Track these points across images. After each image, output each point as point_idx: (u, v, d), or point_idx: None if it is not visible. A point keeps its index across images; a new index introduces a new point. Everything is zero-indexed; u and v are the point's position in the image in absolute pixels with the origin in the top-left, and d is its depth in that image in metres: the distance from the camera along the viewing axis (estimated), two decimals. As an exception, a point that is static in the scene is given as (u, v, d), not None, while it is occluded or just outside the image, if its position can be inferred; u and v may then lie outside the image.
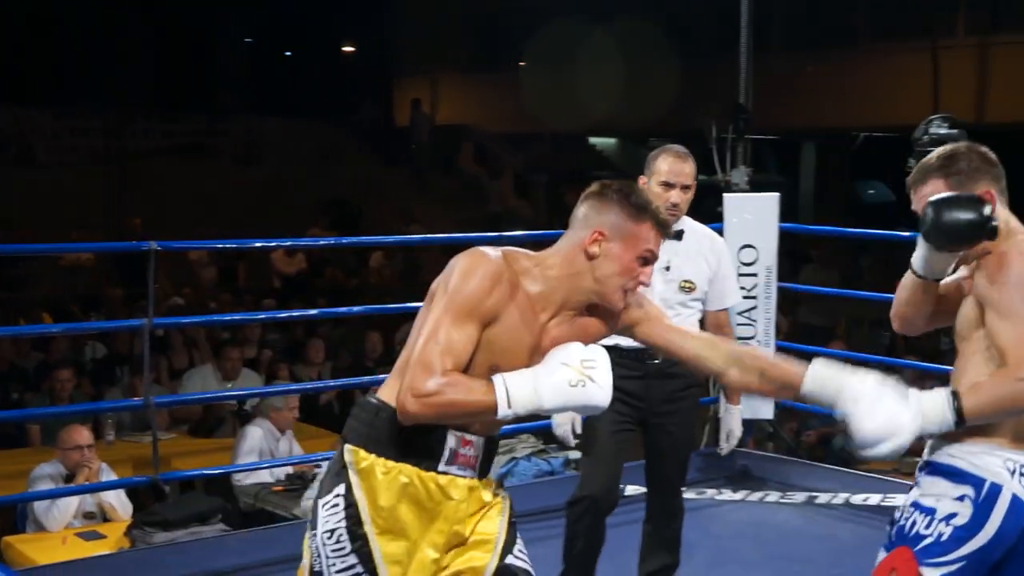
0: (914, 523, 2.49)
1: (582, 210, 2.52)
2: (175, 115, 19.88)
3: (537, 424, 6.14)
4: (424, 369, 2.32)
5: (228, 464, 6.21)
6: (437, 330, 2.35)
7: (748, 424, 6.18)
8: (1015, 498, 2.42)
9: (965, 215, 2.47)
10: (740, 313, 6.00)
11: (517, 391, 2.33)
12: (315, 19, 22.84)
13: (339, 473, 2.44)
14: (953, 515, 2.44)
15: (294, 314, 5.94)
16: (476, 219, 16.90)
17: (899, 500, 5.35)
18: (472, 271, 2.40)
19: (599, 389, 2.34)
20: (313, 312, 6.22)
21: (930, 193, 2.59)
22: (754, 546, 4.84)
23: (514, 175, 20.38)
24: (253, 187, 17.90)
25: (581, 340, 2.46)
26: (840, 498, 5.45)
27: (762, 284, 6.02)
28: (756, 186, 6.19)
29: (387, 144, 20.88)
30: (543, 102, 22.85)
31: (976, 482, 2.45)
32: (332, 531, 2.41)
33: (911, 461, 6.18)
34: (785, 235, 6.08)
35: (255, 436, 6.32)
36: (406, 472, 2.41)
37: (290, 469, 6.03)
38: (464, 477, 2.47)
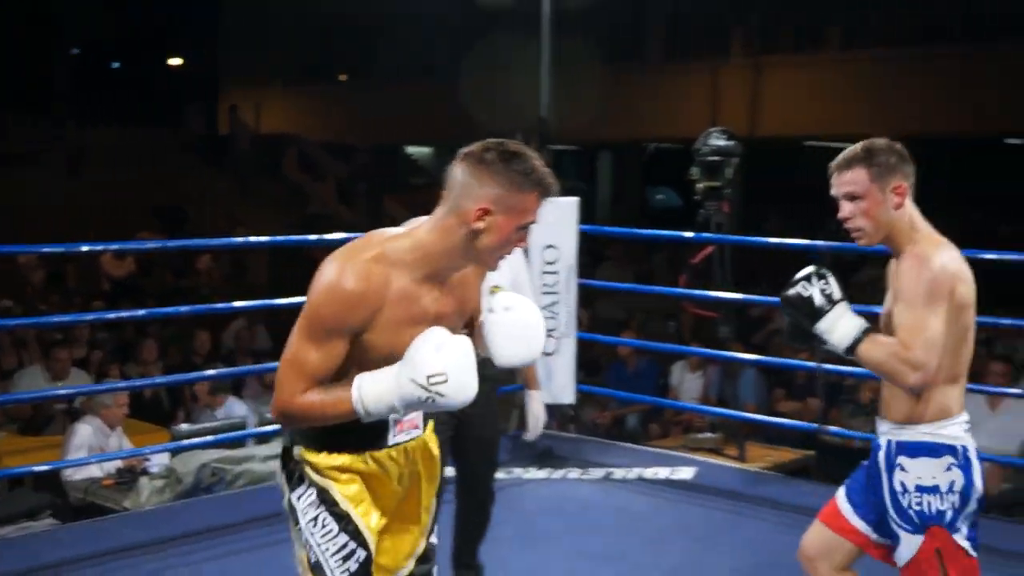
0: (930, 504, 2.65)
1: (461, 175, 2.26)
2: (4, 125, 19.05)
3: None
4: (280, 390, 2.27)
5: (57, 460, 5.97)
6: (296, 350, 2.25)
7: (551, 409, 6.28)
8: (976, 451, 2.72)
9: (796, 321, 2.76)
10: (544, 307, 6.07)
11: (373, 404, 2.23)
12: (142, 32, 22.21)
13: (300, 470, 2.38)
14: (952, 483, 2.65)
15: (123, 314, 5.74)
16: (300, 223, 16.68)
17: (685, 473, 5.52)
18: (331, 293, 2.21)
19: (449, 399, 2.21)
20: (141, 312, 6.00)
21: (851, 180, 2.74)
22: (558, 519, 4.90)
23: (336, 182, 20.17)
24: (83, 194, 17.28)
25: (463, 309, 2.39)
26: (633, 473, 5.56)
27: (563, 281, 6.11)
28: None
29: (214, 152, 20.43)
30: (364, 113, 22.71)
31: (952, 450, 2.67)
32: (315, 518, 2.36)
33: (697, 438, 6.38)
34: (584, 236, 6.18)
35: (84, 433, 6.09)
36: (343, 461, 2.36)
37: (120, 463, 5.83)
38: (412, 439, 2.43)
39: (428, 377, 2.19)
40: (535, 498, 5.24)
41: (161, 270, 13.91)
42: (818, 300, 2.71)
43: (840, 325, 2.68)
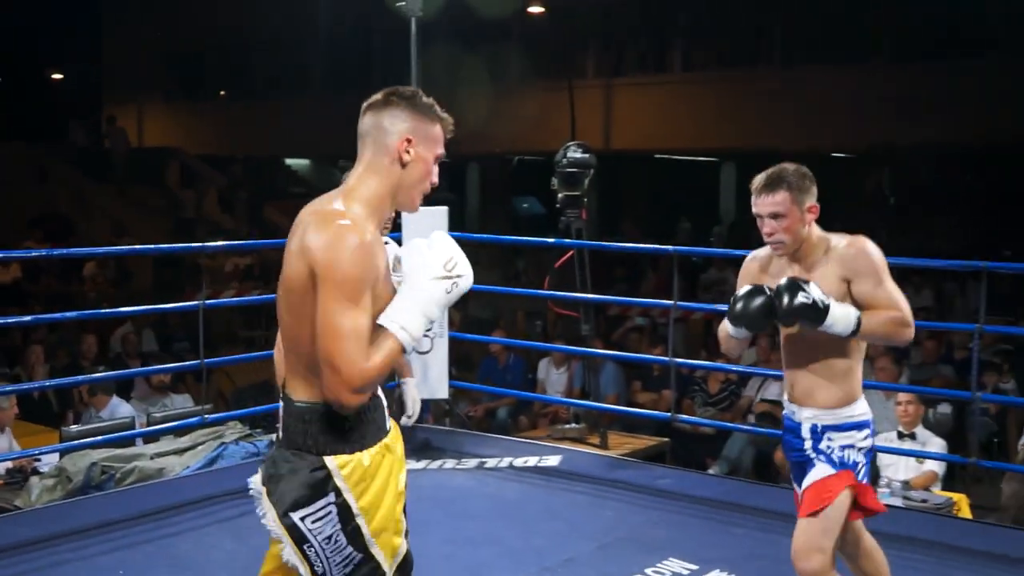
0: (849, 455, 3.05)
1: (371, 121, 2.21)
2: None
3: (243, 412, 5.99)
4: (351, 366, 2.02)
5: (-53, 463, 5.70)
6: (349, 321, 2.03)
7: (426, 403, 6.27)
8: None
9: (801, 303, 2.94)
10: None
11: (413, 328, 2.12)
12: (23, 47, 21.43)
13: (322, 483, 2.13)
14: (865, 446, 3.09)
15: (9, 320, 5.52)
16: (182, 231, 16.29)
17: (551, 461, 5.56)
18: (355, 252, 2.05)
19: (465, 279, 2.20)
20: (27, 318, 5.79)
21: (776, 201, 2.99)
22: (435, 507, 4.88)
23: (218, 192, 19.76)
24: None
25: None
26: (505, 462, 5.57)
27: (436, 284, 6.08)
28: (429, 201, 6.25)
29: (97, 164, 19.80)
30: (243, 127, 22.32)
31: (868, 422, 3.12)
32: (330, 537, 2.16)
33: (562, 428, 6.43)
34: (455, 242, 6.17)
35: (-27, 435, 5.84)
36: (380, 450, 2.20)
37: (10, 464, 5.61)
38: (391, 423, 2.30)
39: (444, 265, 2.18)
40: (413, 487, 5.16)
41: (47, 277, 13.46)
42: (820, 303, 2.92)
43: (840, 315, 2.92)
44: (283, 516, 2.15)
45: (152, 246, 6.42)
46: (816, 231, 3.06)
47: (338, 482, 2.14)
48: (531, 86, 18.29)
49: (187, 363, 6.13)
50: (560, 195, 6.19)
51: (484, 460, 5.59)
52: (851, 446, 3.07)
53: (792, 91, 16.32)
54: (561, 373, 8.31)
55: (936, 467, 5.89)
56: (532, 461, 5.58)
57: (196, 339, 5.21)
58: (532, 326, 11.09)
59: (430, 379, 6.06)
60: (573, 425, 6.40)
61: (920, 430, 6.06)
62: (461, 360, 9.30)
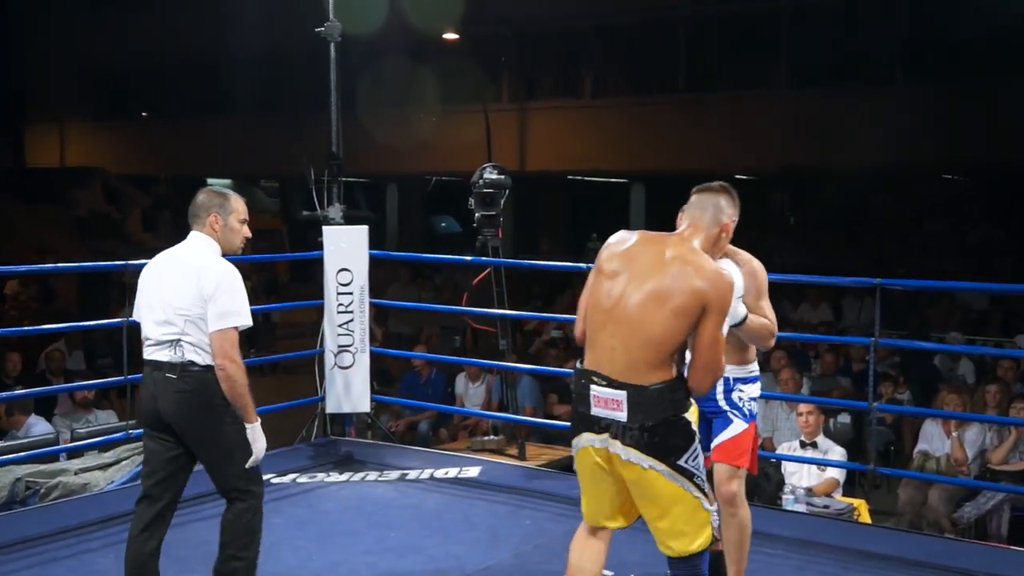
0: (752, 407, 3.65)
1: (711, 200, 3.25)
2: None
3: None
4: (722, 368, 3.02)
5: None
6: (720, 340, 2.98)
7: (349, 416, 6.21)
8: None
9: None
10: (340, 325, 6.00)
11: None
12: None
13: (689, 431, 2.99)
14: (759, 396, 3.71)
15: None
16: (106, 250, 15.94)
17: (471, 472, 5.54)
18: (731, 294, 3.03)
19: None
20: (-51, 337, 5.60)
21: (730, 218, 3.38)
22: (358, 517, 4.83)
23: (142, 211, 19.39)
24: None
25: None
26: (426, 474, 5.54)
27: (357, 300, 6.04)
28: (350, 220, 6.21)
29: (21, 183, 19.30)
30: (166, 147, 21.95)
31: (759, 378, 3.74)
32: (699, 464, 3.02)
33: (481, 440, 6.41)
34: (374, 260, 6.14)
35: None
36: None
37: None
38: None
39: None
40: (337, 499, 5.15)
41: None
42: None
43: (740, 309, 3.50)
44: (674, 465, 2.96)
45: (74, 264, 6.26)
46: (728, 245, 3.46)
47: (694, 427, 3.01)
48: (448, 109, 18.32)
49: (111, 379, 5.99)
50: (477, 215, 6.20)
51: (406, 472, 5.56)
52: (754, 399, 3.66)
53: (697, 115, 16.58)
54: (478, 387, 8.30)
55: (837, 474, 6.00)
56: (453, 472, 5.56)
57: (120, 356, 5.10)
58: (450, 341, 11.06)
59: (352, 394, 6.01)
60: (492, 437, 6.39)
61: (821, 439, 6.17)
62: (383, 375, 9.24)
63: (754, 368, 3.71)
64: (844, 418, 7.82)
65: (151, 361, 3.47)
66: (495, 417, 6.60)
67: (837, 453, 6.10)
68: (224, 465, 3.46)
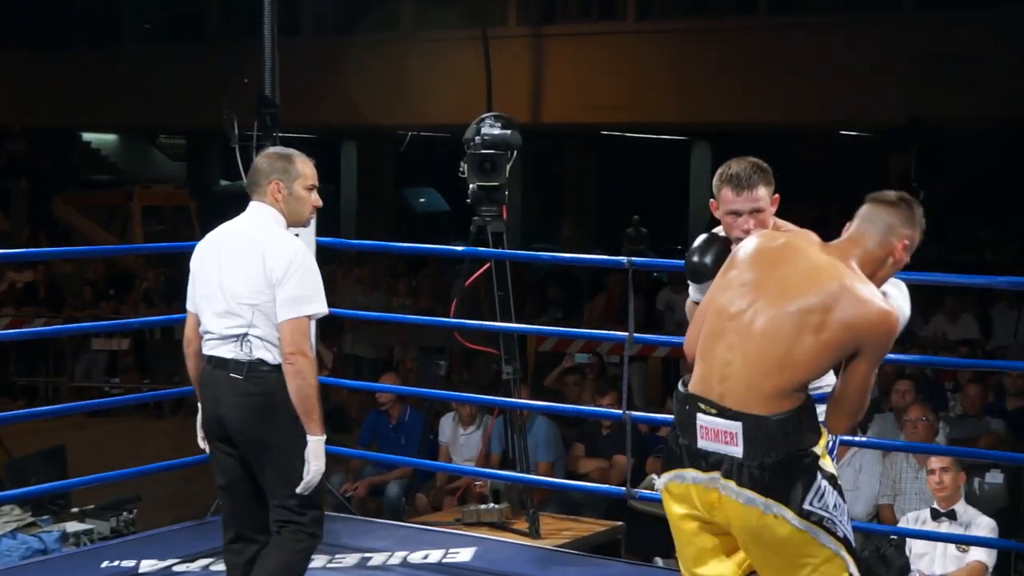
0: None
1: (884, 215, 3.53)
2: None
3: (23, 492, 5.86)
4: (863, 407, 3.47)
5: None
6: (871, 382, 3.43)
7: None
8: None
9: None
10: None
11: None
12: None
13: (813, 465, 3.36)
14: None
15: None
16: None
17: (462, 555, 5.54)
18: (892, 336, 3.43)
19: None
20: None
21: (759, 196, 3.82)
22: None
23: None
24: None
25: None
26: (396, 557, 5.55)
27: (299, 310, 6.03)
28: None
29: None
30: (26, 89, 21.92)
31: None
32: (835, 504, 3.38)
33: (476, 510, 6.42)
34: (324, 252, 6.14)
35: None
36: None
37: None
38: None
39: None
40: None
41: None
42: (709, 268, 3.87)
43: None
44: (800, 510, 3.32)
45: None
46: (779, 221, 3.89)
47: (822, 464, 3.37)
48: (431, 37, 18.32)
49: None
50: (472, 186, 6.21)
51: (368, 555, 5.56)
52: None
53: (786, 46, 16.57)
54: (471, 433, 8.31)
55: (984, 556, 5.99)
56: (435, 556, 5.56)
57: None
58: (433, 367, 11.05)
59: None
60: (492, 506, 6.39)
61: (962, 507, 6.16)
62: (336, 416, 9.24)
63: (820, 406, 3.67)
64: (995, 476, 7.80)
65: (213, 358, 4.08)
66: (496, 477, 6.60)
67: (984, 526, 6.10)
68: (281, 485, 4.05)
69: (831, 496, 3.38)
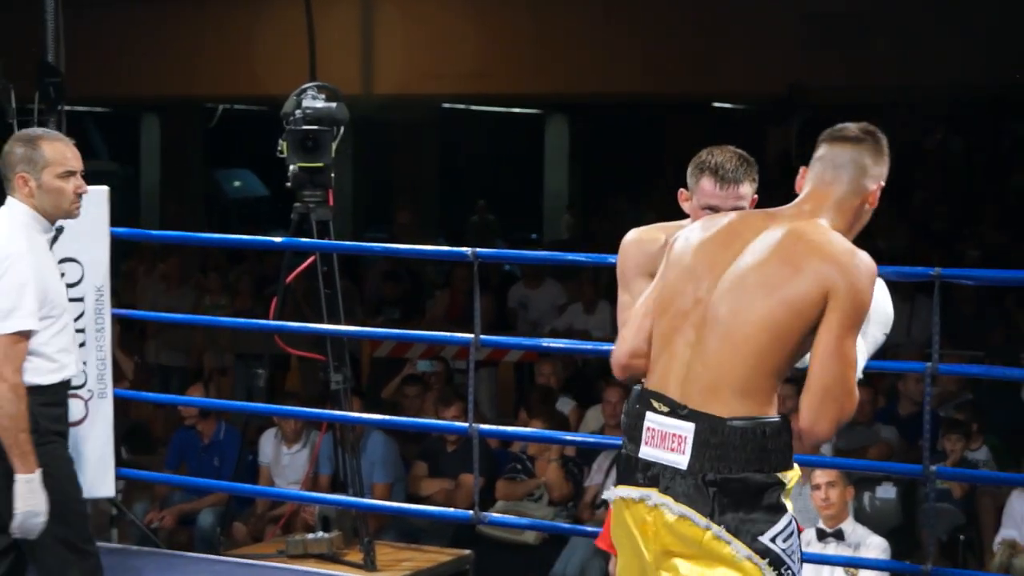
0: None
1: (852, 156, 3.42)
2: None
3: None
4: (851, 399, 3.22)
5: None
6: (852, 355, 3.22)
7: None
8: None
9: None
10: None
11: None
12: None
13: (776, 504, 3.21)
14: None
15: None
16: None
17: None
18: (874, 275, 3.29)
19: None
20: None
21: (744, 194, 3.89)
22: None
23: None
24: None
25: None
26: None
27: (91, 311, 5.99)
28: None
29: None
30: None
31: None
32: (794, 555, 3.25)
33: (303, 539, 6.41)
34: (120, 244, 6.08)
35: None
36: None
37: None
38: None
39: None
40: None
41: None
42: None
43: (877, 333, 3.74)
44: (753, 542, 3.19)
45: None
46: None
47: (785, 499, 3.26)
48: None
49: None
50: (292, 168, 6.20)
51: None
52: None
53: (659, 6, 16.74)
54: (297, 452, 8.29)
55: (875, 580, 6.12)
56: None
57: None
58: (251, 377, 10.99)
59: (86, 466, 5.94)
60: (321, 535, 6.40)
61: (850, 525, 6.30)
62: (137, 435, 9.13)
63: None
64: (886, 490, 7.98)
65: None
66: (325, 502, 6.60)
67: (876, 547, 6.24)
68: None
69: (796, 543, 3.26)
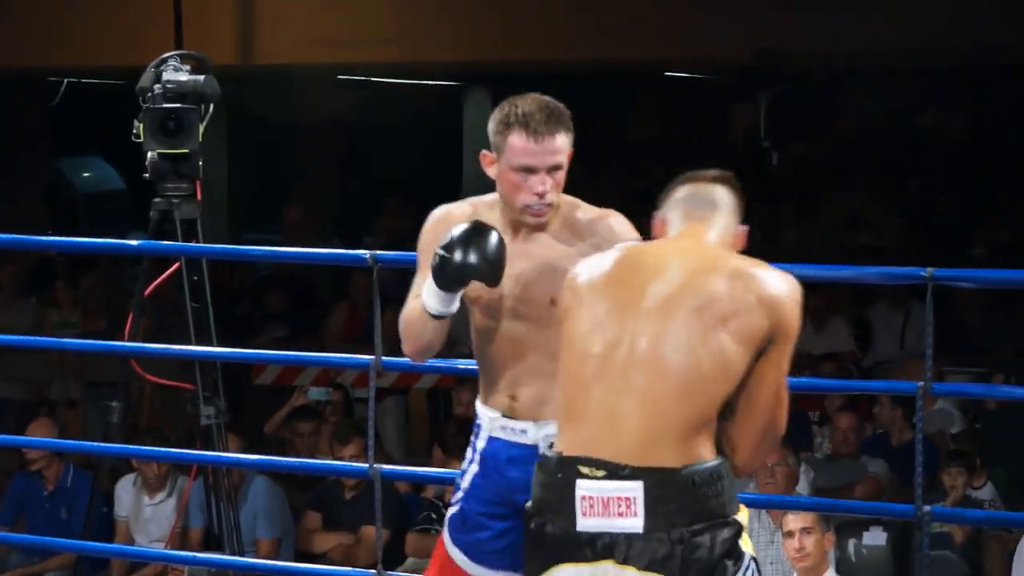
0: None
1: (728, 197, 3.70)
2: None
3: None
4: (781, 427, 3.53)
5: None
6: (784, 389, 3.51)
7: None
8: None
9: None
10: None
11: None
12: None
13: (739, 551, 3.38)
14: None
15: None
16: None
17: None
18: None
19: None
20: None
21: (560, 148, 3.93)
22: None
23: None
24: None
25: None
26: None
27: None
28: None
29: None
30: None
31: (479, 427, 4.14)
32: None
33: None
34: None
35: None
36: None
37: None
38: None
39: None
40: None
41: None
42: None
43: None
44: None
45: None
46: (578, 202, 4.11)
47: (742, 542, 3.43)
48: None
49: None
50: (151, 154, 6.20)
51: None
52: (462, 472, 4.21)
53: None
54: (161, 502, 8.29)
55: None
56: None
57: None
58: (104, 411, 10.97)
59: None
60: (190, 600, 6.41)
61: (832, 577, 6.36)
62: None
63: None
64: (875, 536, 8.05)
65: None
66: (197, 563, 6.61)
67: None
68: None
69: None
